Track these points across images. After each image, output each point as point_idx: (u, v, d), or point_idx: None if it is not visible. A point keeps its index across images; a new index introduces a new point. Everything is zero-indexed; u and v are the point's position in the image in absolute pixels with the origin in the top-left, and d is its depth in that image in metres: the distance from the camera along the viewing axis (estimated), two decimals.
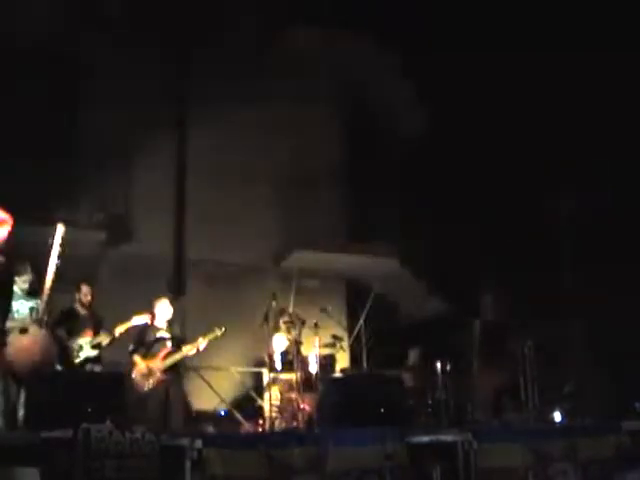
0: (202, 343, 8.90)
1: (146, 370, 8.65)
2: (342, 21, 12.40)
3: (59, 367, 7.82)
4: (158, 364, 8.70)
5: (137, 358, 8.75)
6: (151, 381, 8.62)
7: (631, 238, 10.12)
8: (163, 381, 8.67)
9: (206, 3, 12.17)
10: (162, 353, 8.78)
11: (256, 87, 12.34)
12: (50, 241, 7.08)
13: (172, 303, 9.43)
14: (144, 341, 8.86)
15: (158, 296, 9.40)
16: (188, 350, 8.89)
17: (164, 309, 9.10)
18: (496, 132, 11.26)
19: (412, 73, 12.62)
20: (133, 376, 8.64)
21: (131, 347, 8.83)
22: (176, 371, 8.96)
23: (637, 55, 10.05)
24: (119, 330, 8.51)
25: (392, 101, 13.78)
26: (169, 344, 8.91)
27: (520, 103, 10.83)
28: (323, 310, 9.53)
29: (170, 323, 9.17)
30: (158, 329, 8.98)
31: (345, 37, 12.85)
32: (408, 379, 9.06)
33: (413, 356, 10.04)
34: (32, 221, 9.43)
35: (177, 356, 8.82)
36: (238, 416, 10.10)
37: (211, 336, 8.96)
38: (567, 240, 10.67)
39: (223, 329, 9.02)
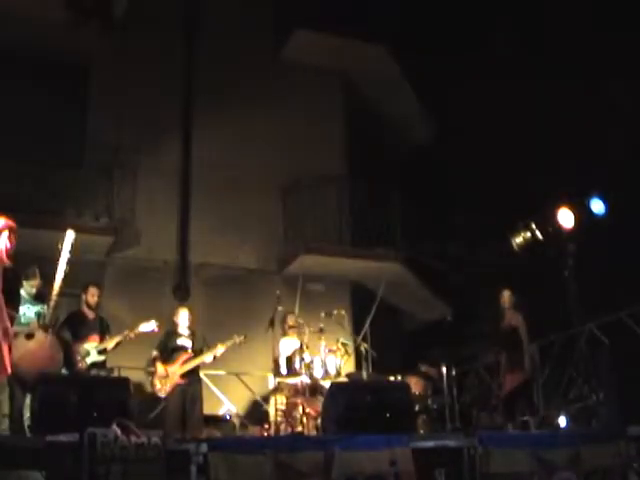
0: (220, 349, 9.04)
1: (165, 375, 8.86)
2: (344, 27, 12.44)
3: (65, 371, 7.83)
4: (176, 369, 8.90)
5: (158, 363, 8.97)
6: (168, 385, 8.84)
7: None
8: (179, 385, 8.87)
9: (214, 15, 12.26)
10: (181, 359, 8.97)
11: (260, 94, 12.39)
12: (59, 246, 7.08)
13: (179, 308, 9.57)
14: (167, 347, 9.08)
15: (180, 304, 9.99)
16: (205, 356, 9.05)
17: (185, 317, 9.32)
18: (496, 135, 11.31)
19: (413, 78, 12.67)
20: (153, 381, 8.93)
21: (154, 353, 9.05)
22: (195, 376, 9.13)
23: None
24: (127, 336, 8.54)
25: (394, 106, 13.82)
26: (189, 351, 9.11)
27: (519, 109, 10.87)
28: (328, 314, 9.51)
29: (193, 331, 9.33)
30: (180, 336, 9.19)
31: (349, 44, 12.89)
32: (414, 384, 9.03)
33: (421, 363, 10.02)
34: (40, 225, 9.52)
35: (195, 362, 9.00)
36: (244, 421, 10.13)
37: (229, 343, 9.11)
38: (571, 245, 10.65)
39: (242, 337, 9.13)
